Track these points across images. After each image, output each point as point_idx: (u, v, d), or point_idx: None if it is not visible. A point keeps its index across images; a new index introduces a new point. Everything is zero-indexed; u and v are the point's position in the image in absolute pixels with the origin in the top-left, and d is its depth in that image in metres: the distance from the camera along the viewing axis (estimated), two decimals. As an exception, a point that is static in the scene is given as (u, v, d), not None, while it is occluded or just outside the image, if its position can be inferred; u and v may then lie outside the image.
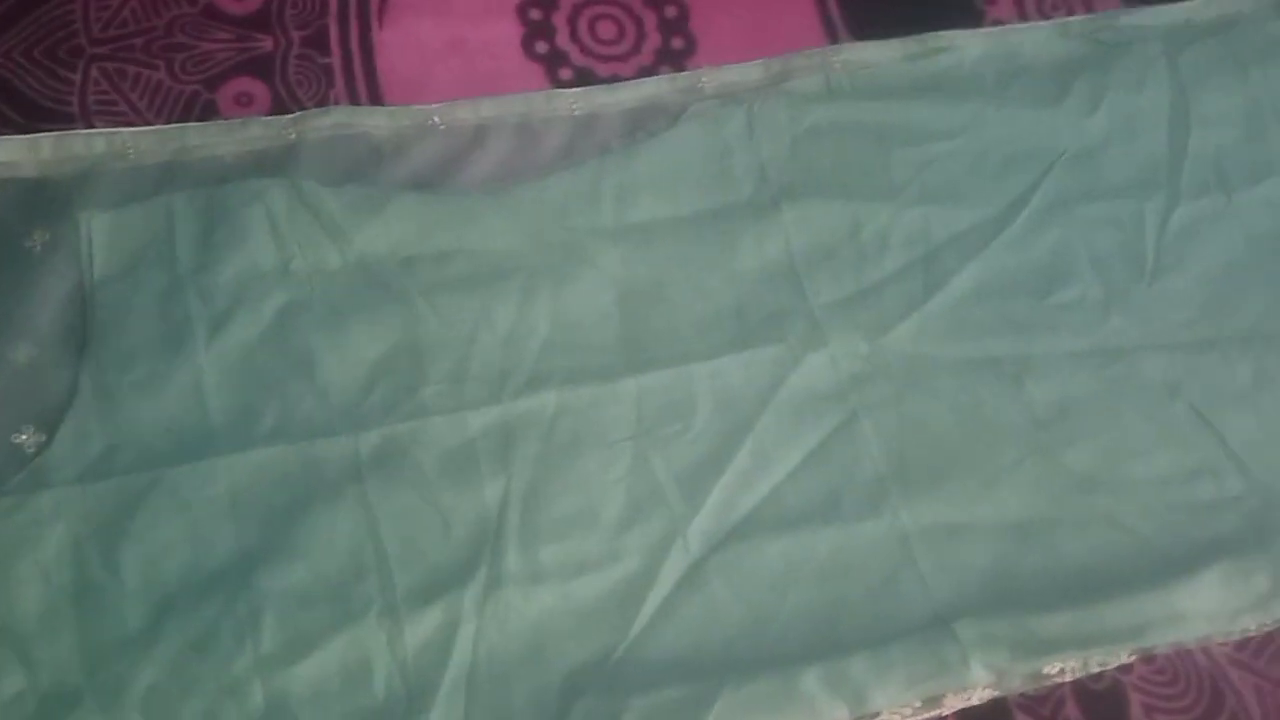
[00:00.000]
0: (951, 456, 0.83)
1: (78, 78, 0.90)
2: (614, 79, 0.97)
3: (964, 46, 0.99)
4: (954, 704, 0.75)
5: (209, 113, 0.90)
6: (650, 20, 1.00)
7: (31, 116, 0.88)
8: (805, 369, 0.85)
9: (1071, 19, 1.03)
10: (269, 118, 0.88)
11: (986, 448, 0.84)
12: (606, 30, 1.00)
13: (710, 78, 0.96)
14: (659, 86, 0.96)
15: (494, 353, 0.83)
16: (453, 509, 0.77)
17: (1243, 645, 0.81)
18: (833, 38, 1.01)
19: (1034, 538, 0.81)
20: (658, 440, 0.81)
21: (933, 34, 0.99)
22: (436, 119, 0.91)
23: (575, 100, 0.94)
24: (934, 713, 0.75)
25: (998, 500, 0.82)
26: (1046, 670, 0.76)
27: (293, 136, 0.88)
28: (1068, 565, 0.80)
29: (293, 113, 0.90)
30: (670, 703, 0.72)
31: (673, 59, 0.99)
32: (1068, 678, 0.77)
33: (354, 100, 0.93)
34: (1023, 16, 1.05)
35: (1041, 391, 0.86)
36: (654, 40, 1.00)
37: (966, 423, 0.84)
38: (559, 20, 0.99)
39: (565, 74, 0.97)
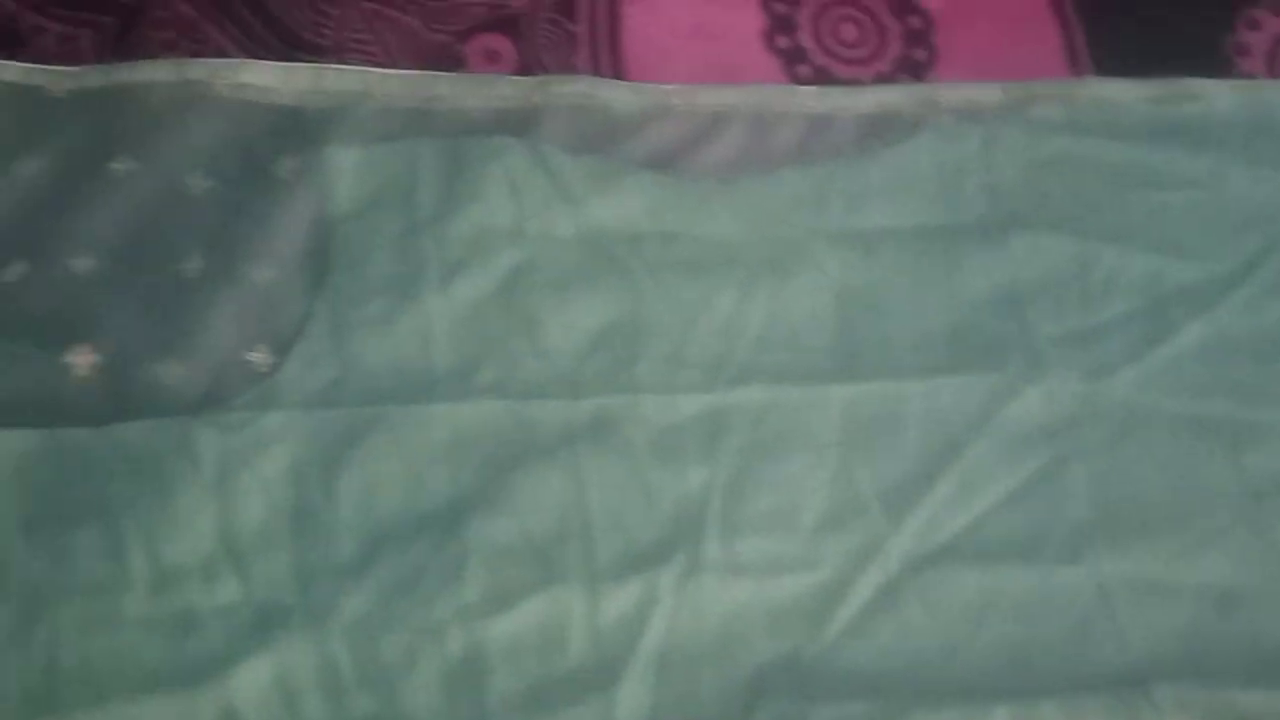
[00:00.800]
0: (1159, 512, 0.81)
1: (337, 13, 0.91)
2: (852, 82, 0.96)
3: (1213, 96, 0.97)
4: (1138, 764, 0.74)
5: (456, 64, 0.92)
6: (895, 29, 1.00)
7: (290, 45, 0.90)
8: (1021, 402, 0.84)
9: (1329, 83, 1.00)
10: (517, 77, 0.90)
11: (1197, 509, 0.82)
12: (849, 33, 0.99)
13: (949, 93, 0.95)
14: (897, 95, 0.95)
15: (710, 340, 0.83)
16: (658, 488, 0.78)
17: None
18: (1075, 69, 1.00)
19: (1237, 609, 0.79)
20: (864, 452, 0.81)
21: (1183, 80, 0.97)
22: (676, 100, 0.91)
23: (813, 98, 0.93)
24: (1117, 770, 0.74)
25: (1203, 564, 0.80)
26: (1238, 745, 0.74)
27: (537, 99, 0.89)
28: (1270, 642, 0.78)
29: (536, 75, 0.91)
30: (855, 717, 0.72)
31: (912, 69, 0.98)
32: (1258, 755, 0.75)
33: (596, 71, 0.93)
34: (1274, 73, 1.02)
35: (1260, 461, 0.84)
36: (895, 49, 0.99)
37: (1178, 481, 0.83)
38: (802, 17, 0.99)
39: (803, 71, 0.97)
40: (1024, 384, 0.84)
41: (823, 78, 0.97)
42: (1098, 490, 0.82)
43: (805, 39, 0.98)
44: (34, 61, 0.84)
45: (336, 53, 0.90)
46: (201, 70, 0.85)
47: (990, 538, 0.79)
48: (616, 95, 0.90)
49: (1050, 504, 0.81)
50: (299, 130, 0.85)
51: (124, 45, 0.86)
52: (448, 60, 0.91)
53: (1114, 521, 0.81)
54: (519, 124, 0.88)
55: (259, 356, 0.78)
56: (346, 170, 0.84)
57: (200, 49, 0.87)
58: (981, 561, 0.78)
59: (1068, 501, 0.81)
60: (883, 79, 0.98)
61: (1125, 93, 0.97)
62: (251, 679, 0.68)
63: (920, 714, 0.72)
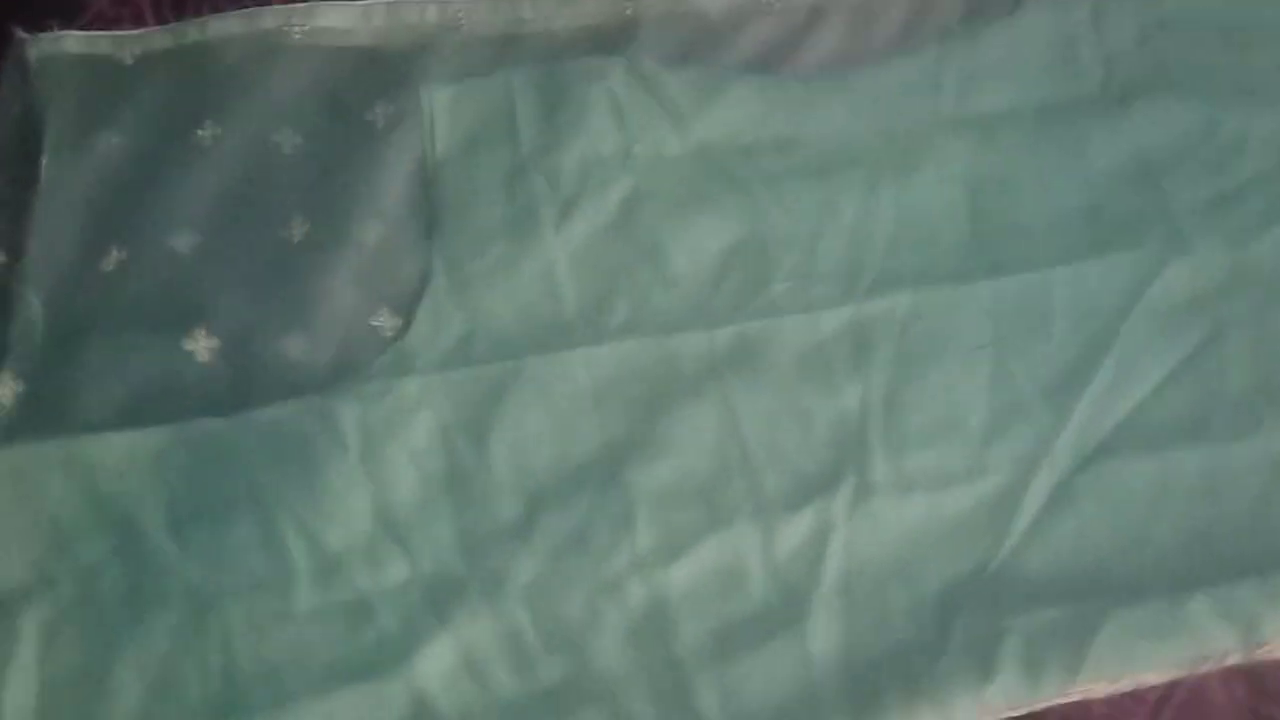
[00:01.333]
0: (1325, 377, 0.78)
1: (399, -58, 0.85)
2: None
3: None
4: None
5: (534, -17, 0.86)
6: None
7: (361, -19, 0.84)
8: (1167, 277, 0.80)
9: None
10: (602, -9, 0.84)
11: (1363, 371, 0.78)
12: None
13: (1051, -40, 0.89)
14: (998, -34, 0.89)
15: (840, 248, 0.79)
16: (813, 412, 0.74)
17: None
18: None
19: None
20: (1017, 349, 0.77)
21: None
22: (772, -2, 0.86)
23: (913, -22, 0.88)
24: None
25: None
26: None
27: (629, 12, 0.83)
28: None
29: (618, -14, 0.85)
30: (1053, 624, 0.70)
31: (1006, -63, 0.92)
32: None
33: (674, -26, 0.87)
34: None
35: None
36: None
37: (1340, 343, 0.79)
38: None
39: (895, -50, 0.91)
40: (1168, 258, 0.80)
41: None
42: (1258, 358, 0.78)
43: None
44: (94, 28, 0.78)
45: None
46: (273, 18, 0.79)
47: (1157, 421, 0.76)
48: (709, -1, 0.85)
49: (1212, 379, 0.78)
50: (385, 72, 0.80)
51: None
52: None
53: (1278, 391, 0.77)
54: (612, 41, 0.83)
55: (382, 321, 0.74)
56: (441, 110, 0.79)
57: (263, -4, 0.81)
58: (1151, 448, 0.75)
59: (1229, 374, 0.78)
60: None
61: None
62: (436, 660, 0.65)
63: (1119, 613, 0.70)
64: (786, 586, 0.69)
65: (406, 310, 0.74)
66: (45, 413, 0.68)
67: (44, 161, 0.74)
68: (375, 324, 0.73)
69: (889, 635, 0.69)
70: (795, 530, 0.71)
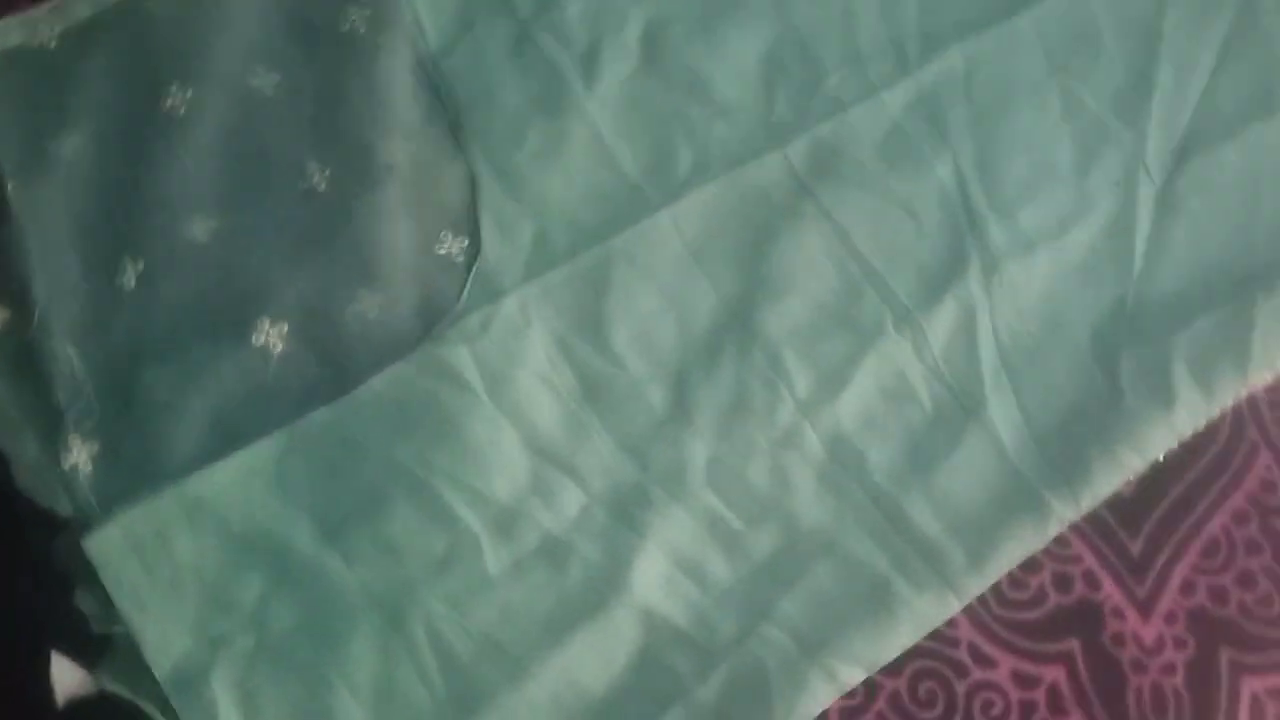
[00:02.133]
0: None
1: None
2: None
3: None
4: None
5: None
6: None
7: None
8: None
9: None
10: None
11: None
12: None
13: None
14: None
15: (876, 21, 0.74)
16: (913, 198, 0.70)
17: None
18: None
19: None
20: (1077, 73, 0.74)
21: None
22: None
23: None
24: None
25: None
26: None
27: None
28: None
29: None
30: (1210, 331, 0.69)
31: None
32: None
33: None
34: None
35: None
36: None
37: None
38: None
39: None
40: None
41: None
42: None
43: None
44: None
45: None
46: (198, -53, 0.67)
47: (1225, 106, 0.74)
48: None
49: (1260, 49, 0.75)
50: (342, -27, 0.69)
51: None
52: None
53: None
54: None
55: (448, 246, 0.66)
56: (421, -2, 0.69)
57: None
58: (1230, 132, 0.74)
59: (1275, 39, 0.76)
60: None
61: None
62: (649, 572, 0.61)
63: (1266, 298, 0.69)
64: (952, 383, 0.67)
65: (468, 226, 0.66)
66: (133, 466, 0.60)
67: (8, 190, 0.63)
68: (442, 252, 0.65)
69: (1064, 397, 0.67)
70: (942, 324, 0.67)
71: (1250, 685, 0.63)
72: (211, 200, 0.65)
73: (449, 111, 0.68)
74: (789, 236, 0.68)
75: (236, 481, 0.60)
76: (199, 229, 0.64)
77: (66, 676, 0.57)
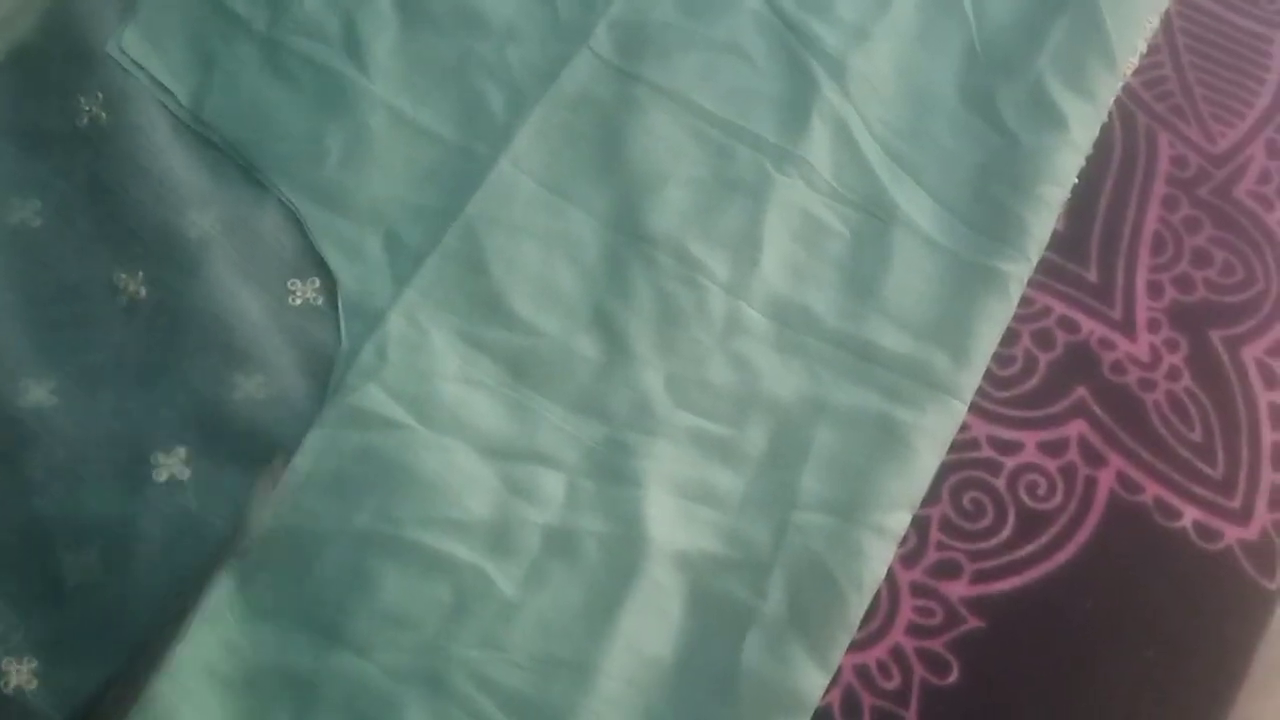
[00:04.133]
0: None
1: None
2: None
3: None
4: None
5: None
6: None
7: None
8: None
9: None
10: None
11: None
12: None
13: None
14: None
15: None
16: (734, 37, 0.66)
17: None
18: None
19: None
20: None
21: None
22: None
23: None
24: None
25: None
26: None
27: None
28: None
29: None
30: (1066, 39, 0.67)
31: None
32: None
33: None
34: None
35: None
36: None
37: None
38: None
39: None
40: None
41: None
42: None
43: None
44: None
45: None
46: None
47: None
48: None
49: None
50: None
51: None
52: None
53: None
54: None
55: (302, 293, 0.59)
56: None
57: None
58: None
59: None
60: None
61: None
62: (661, 515, 0.57)
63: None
64: (857, 197, 0.63)
65: (313, 264, 0.60)
66: (82, 663, 0.52)
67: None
68: (298, 303, 0.58)
69: (963, 163, 0.64)
70: (820, 146, 0.64)
71: (1250, 353, 0.61)
72: (32, 360, 0.56)
73: (232, 158, 0.60)
74: (635, 127, 0.63)
75: (208, 640, 0.53)
76: (37, 394, 0.55)
77: None
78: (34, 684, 0.52)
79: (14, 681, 0.51)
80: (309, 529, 0.54)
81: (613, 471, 0.56)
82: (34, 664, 0.52)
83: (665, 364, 0.58)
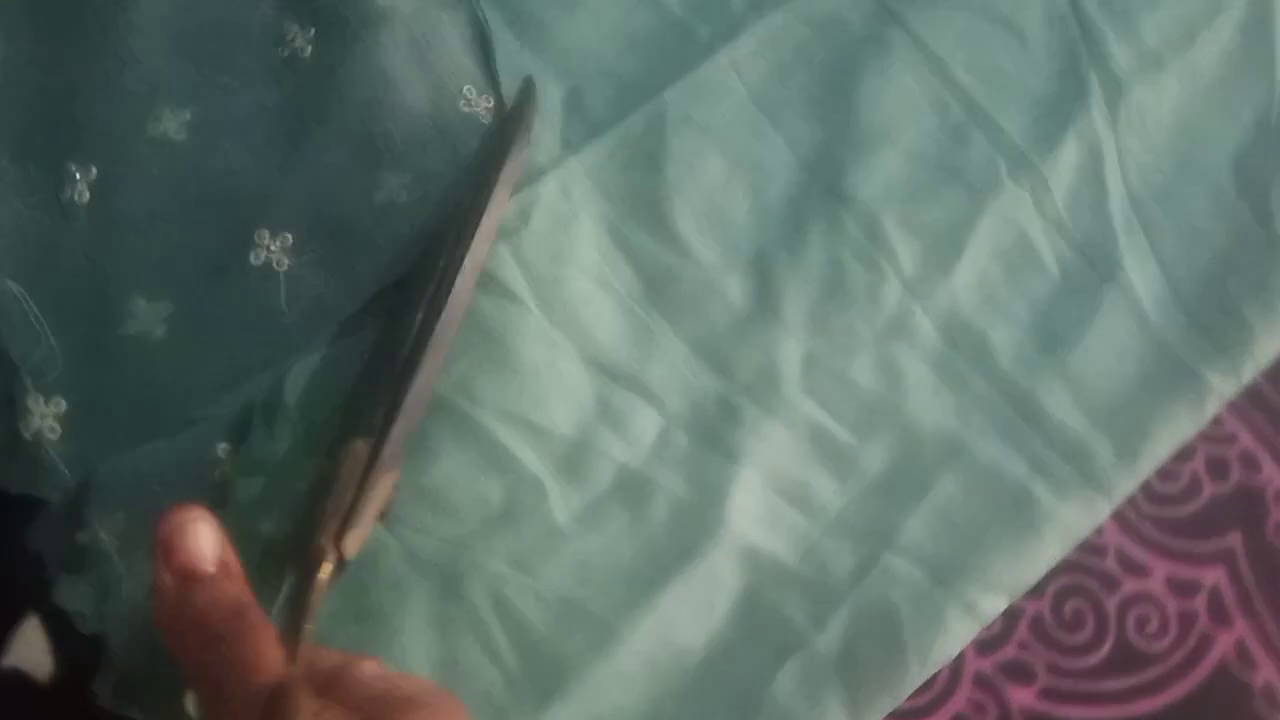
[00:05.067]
0: None
1: None
2: None
3: None
4: None
5: None
6: None
7: None
8: None
9: None
10: None
11: None
12: None
13: None
14: None
15: None
16: (1017, 14, 0.56)
17: None
18: None
19: None
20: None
21: None
22: None
23: None
24: None
25: None
26: None
27: None
28: None
29: None
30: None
31: None
32: None
33: None
34: None
35: None
36: None
37: None
38: None
39: None
40: None
41: None
42: None
43: None
44: None
45: None
46: None
47: None
48: None
49: None
50: None
51: None
52: None
53: None
54: None
55: (475, 104, 0.52)
56: None
57: None
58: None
59: None
60: None
61: None
62: (746, 501, 0.51)
63: None
64: (1082, 239, 0.54)
65: (490, 83, 0.52)
66: (113, 421, 0.47)
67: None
68: (468, 110, 0.51)
69: (1209, 245, 0.55)
70: (1064, 168, 0.54)
71: None
72: (174, 88, 0.50)
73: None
74: (875, 74, 0.54)
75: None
76: (169, 123, 0.49)
77: (26, 650, 0.46)
78: (57, 432, 0.47)
79: (35, 425, 0.46)
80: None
81: (713, 435, 0.50)
82: (62, 408, 0.47)
83: (810, 341, 0.51)
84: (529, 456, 0.48)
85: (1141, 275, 0.54)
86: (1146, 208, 0.55)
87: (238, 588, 0.40)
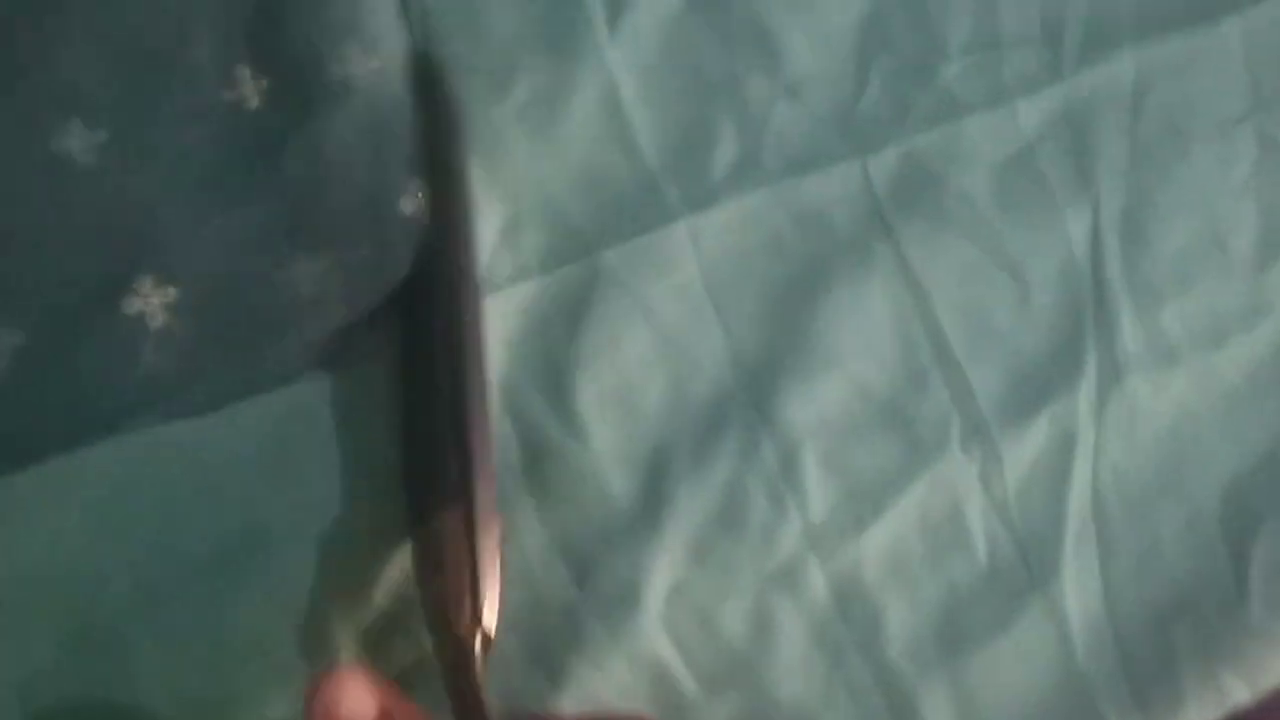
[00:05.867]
0: None
1: None
2: None
3: None
4: None
5: None
6: None
7: None
8: None
9: None
10: None
11: None
12: None
13: None
14: None
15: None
16: (1026, 260, 0.49)
17: None
18: None
19: None
20: (1282, 115, 0.51)
21: None
22: None
23: None
24: None
25: None
26: None
27: None
28: None
29: None
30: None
31: None
32: None
33: None
34: None
35: None
36: None
37: None
38: None
39: None
40: None
41: None
42: None
43: None
44: None
45: None
46: None
47: None
48: None
49: None
50: None
51: None
52: None
53: None
54: None
55: (414, 205, 0.46)
56: None
57: None
58: None
59: None
60: None
61: None
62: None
63: None
64: (1024, 531, 0.47)
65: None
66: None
67: None
68: (408, 211, 0.45)
69: (1168, 579, 0.48)
70: (1027, 448, 0.48)
71: None
72: (99, 104, 0.45)
73: (415, 28, 0.47)
74: (845, 286, 0.48)
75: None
76: (76, 141, 0.44)
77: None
78: None
79: None
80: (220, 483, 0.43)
81: (543, 653, 0.44)
82: None
83: (685, 567, 0.45)
84: None
85: (1079, 590, 0.46)
86: (1108, 516, 0.47)
87: None
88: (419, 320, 0.44)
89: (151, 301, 0.43)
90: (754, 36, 0.48)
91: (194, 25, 0.45)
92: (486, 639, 0.39)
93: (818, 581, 0.46)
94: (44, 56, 0.44)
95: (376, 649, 0.41)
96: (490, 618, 0.39)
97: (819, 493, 0.46)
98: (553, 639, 0.44)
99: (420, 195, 0.45)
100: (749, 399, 0.46)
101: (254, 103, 0.45)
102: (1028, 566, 0.47)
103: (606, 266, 0.46)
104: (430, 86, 0.46)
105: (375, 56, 0.46)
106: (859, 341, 0.47)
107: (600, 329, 0.46)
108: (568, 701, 0.43)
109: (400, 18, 0.47)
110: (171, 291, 0.43)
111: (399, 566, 0.42)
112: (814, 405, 0.46)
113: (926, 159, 0.49)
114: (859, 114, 0.49)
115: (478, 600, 0.39)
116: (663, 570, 0.45)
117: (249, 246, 0.44)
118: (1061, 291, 0.49)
